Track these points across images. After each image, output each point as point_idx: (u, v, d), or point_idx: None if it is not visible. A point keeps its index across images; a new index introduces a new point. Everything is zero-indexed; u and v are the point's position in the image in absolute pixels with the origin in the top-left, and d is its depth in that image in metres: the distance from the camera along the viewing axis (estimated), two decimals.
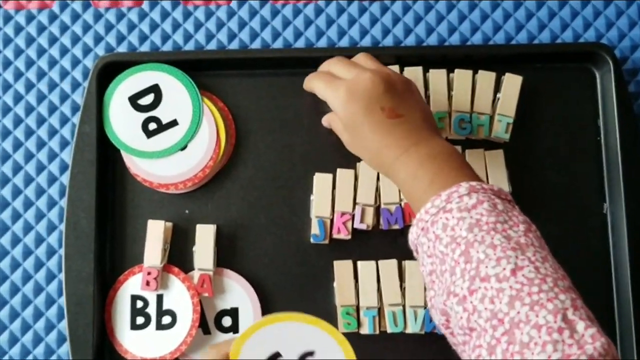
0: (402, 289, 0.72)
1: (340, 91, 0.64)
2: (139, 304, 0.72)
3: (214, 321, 0.73)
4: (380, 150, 0.63)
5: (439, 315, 0.55)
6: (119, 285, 0.73)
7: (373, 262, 0.72)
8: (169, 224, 0.74)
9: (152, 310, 0.72)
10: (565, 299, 0.48)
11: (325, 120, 0.73)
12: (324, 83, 0.67)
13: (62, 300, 0.72)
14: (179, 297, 0.72)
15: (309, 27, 0.79)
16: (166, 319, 0.72)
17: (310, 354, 0.56)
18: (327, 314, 0.72)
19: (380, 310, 0.72)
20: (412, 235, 0.59)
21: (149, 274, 0.72)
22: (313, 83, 0.69)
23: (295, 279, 0.74)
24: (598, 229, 0.74)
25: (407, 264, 0.72)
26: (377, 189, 0.73)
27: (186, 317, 0.71)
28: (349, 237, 0.73)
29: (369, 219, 0.72)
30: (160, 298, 0.72)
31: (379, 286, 0.72)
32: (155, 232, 0.72)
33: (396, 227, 0.72)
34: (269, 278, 0.74)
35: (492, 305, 0.49)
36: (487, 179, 0.73)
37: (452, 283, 0.53)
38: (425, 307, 0.71)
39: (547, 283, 0.49)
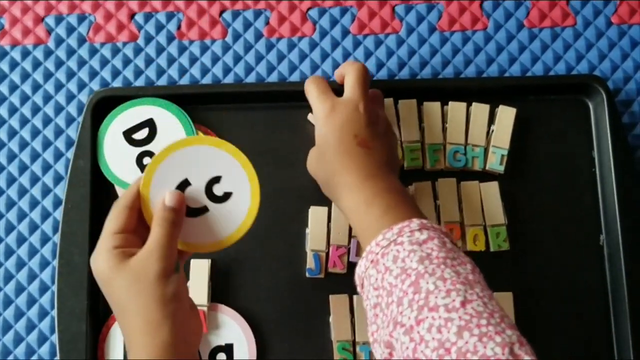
0: None
1: (326, 105, 0.65)
2: None
3: (208, 357, 0.72)
4: (340, 172, 0.63)
5: (382, 348, 0.54)
6: (112, 322, 0.72)
7: None
8: None
9: None
10: (512, 334, 0.48)
11: (311, 118, 0.74)
12: (317, 92, 0.67)
13: (55, 338, 0.71)
14: None
15: (303, 61, 0.80)
16: None
17: (217, 179, 0.58)
18: (323, 348, 0.71)
19: None
20: (360, 268, 0.58)
21: None
22: (310, 87, 0.68)
23: (290, 314, 0.73)
24: (595, 261, 0.74)
25: None
26: None
27: None
28: (345, 270, 0.72)
29: None
30: None
31: None
32: None
33: None
34: (264, 313, 0.73)
35: (439, 334, 0.49)
36: (483, 211, 0.73)
37: (399, 313, 0.52)
38: None
39: (495, 318, 0.49)
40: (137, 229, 0.58)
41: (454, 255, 0.55)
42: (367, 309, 0.57)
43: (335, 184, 0.64)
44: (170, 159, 0.58)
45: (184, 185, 0.58)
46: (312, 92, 0.68)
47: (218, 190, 0.60)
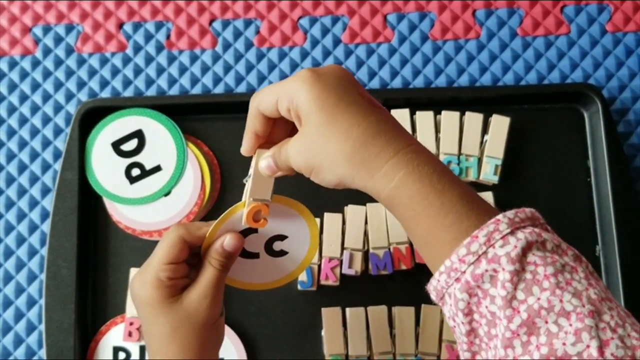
0: (392, 336, 0.70)
1: (302, 74, 0.49)
2: (122, 355, 0.70)
3: None
4: (364, 143, 0.47)
5: None
6: (101, 337, 0.71)
7: (362, 309, 0.70)
8: None
9: None
10: None
11: (252, 140, 0.55)
12: (270, 86, 0.52)
13: (43, 352, 0.70)
14: None
15: (294, 70, 0.79)
16: None
17: (281, 237, 0.59)
18: None
19: (369, 359, 0.70)
20: (439, 283, 0.45)
21: (131, 324, 0.70)
22: (256, 97, 0.53)
23: (282, 328, 0.72)
24: None
25: (396, 310, 0.70)
26: (366, 233, 0.72)
27: None
28: (337, 283, 0.71)
29: (358, 265, 0.71)
30: (143, 349, 0.70)
31: (368, 334, 0.70)
32: None
33: (385, 272, 0.71)
34: (256, 327, 0.72)
35: None
36: None
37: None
38: (416, 355, 0.69)
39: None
40: (185, 261, 0.56)
41: (561, 262, 0.43)
42: (457, 333, 0.47)
43: (360, 163, 0.47)
44: (239, 214, 0.56)
45: (249, 231, 0.57)
46: (264, 91, 0.52)
47: (277, 246, 0.60)
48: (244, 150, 0.55)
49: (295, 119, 0.50)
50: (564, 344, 0.40)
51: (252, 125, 0.54)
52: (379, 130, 0.47)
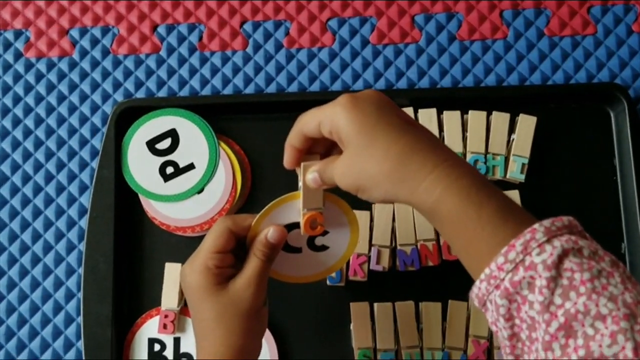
0: (419, 330, 0.71)
1: (341, 100, 0.53)
2: (157, 347, 0.72)
3: None
4: (402, 161, 0.50)
5: None
6: (137, 329, 0.73)
7: (389, 304, 0.72)
8: None
9: (169, 353, 0.72)
10: None
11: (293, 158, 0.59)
12: (313, 110, 0.56)
13: (81, 344, 0.73)
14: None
15: (323, 71, 0.80)
16: None
17: (324, 233, 0.61)
18: (344, 356, 0.72)
19: (397, 352, 0.71)
20: (480, 290, 0.48)
21: (166, 317, 0.72)
22: (300, 121, 0.57)
23: (311, 322, 0.74)
24: None
25: (423, 305, 0.72)
26: (393, 230, 0.73)
27: None
28: (365, 279, 0.72)
29: (385, 261, 0.72)
30: (177, 341, 0.72)
31: (395, 328, 0.71)
32: (173, 275, 0.73)
33: (412, 268, 0.72)
34: (286, 320, 0.73)
35: None
36: None
37: None
38: (443, 349, 0.71)
39: None
40: (233, 250, 0.59)
41: (596, 266, 0.44)
42: (500, 337, 0.49)
43: (402, 179, 0.50)
44: (294, 202, 0.59)
45: (292, 226, 0.60)
46: (306, 116, 0.57)
47: (319, 241, 0.62)
48: (287, 164, 0.59)
49: (337, 140, 0.53)
50: (600, 346, 0.41)
51: (295, 142, 0.58)
52: (415, 148, 0.50)
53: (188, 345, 0.72)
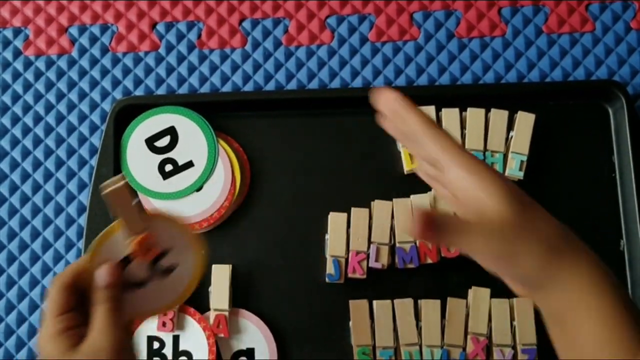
0: (419, 328, 0.71)
1: (500, 182, 0.50)
2: (155, 344, 0.73)
3: None
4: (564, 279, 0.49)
5: None
6: (136, 326, 0.73)
7: (389, 302, 0.72)
8: None
9: (168, 351, 0.72)
10: None
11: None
12: (468, 156, 0.50)
13: None
14: (194, 338, 0.72)
15: (322, 69, 0.80)
16: None
17: (162, 253, 0.56)
18: (344, 353, 0.72)
19: (396, 350, 0.71)
20: None
21: (164, 314, 0.72)
22: (439, 135, 0.50)
23: (310, 319, 0.74)
24: (615, 267, 0.73)
25: (422, 302, 0.72)
26: (392, 228, 0.73)
27: (202, 358, 0.71)
28: (364, 276, 0.72)
29: (384, 258, 0.72)
30: (176, 339, 0.72)
31: (394, 325, 0.71)
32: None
33: (411, 266, 0.72)
34: (285, 318, 0.73)
35: None
36: None
37: None
38: (442, 347, 0.71)
39: None
40: (78, 304, 0.54)
41: None
42: None
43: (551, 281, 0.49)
44: (116, 236, 0.54)
45: (128, 260, 0.55)
46: (452, 147, 0.50)
47: (165, 262, 0.57)
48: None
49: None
50: None
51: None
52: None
53: (187, 343, 0.72)
